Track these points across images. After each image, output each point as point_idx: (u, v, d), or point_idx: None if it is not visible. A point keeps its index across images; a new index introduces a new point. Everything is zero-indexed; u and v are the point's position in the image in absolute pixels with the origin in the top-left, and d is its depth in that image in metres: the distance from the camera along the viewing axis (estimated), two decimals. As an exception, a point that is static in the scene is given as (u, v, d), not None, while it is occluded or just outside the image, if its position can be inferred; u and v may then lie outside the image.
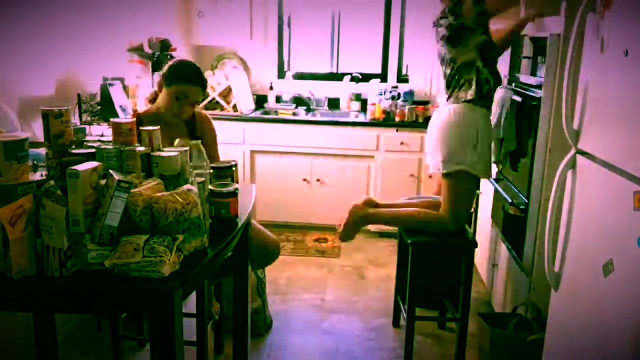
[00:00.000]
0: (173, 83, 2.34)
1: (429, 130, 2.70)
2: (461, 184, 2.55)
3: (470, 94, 2.51)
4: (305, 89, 4.74)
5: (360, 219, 2.70)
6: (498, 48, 2.60)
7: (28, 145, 1.55)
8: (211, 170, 1.94)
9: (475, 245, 2.57)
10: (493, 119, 2.94)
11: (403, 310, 2.74)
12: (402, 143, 4.11)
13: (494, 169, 3.08)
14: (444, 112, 2.59)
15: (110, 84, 2.89)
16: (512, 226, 2.84)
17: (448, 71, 2.58)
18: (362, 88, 4.63)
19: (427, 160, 2.81)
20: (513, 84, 3.02)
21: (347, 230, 2.71)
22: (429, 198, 2.90)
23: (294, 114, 4.47)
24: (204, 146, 2.05)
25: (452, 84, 2.57)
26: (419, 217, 2.63)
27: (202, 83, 2.41)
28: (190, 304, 2.60)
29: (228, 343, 2.51)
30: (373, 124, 4.19)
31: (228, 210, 1.81)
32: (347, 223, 2.70)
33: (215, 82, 4.40)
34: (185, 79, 2.35)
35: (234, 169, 2.01)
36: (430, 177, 4.10)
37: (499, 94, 2.97)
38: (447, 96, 2.61)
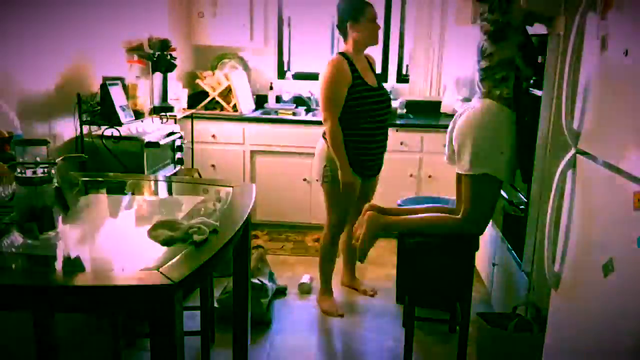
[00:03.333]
0: (364, 13, 2.87)
1: (458, 122, 2.57)
2: (486, 187, 2.48)
3: (506, 92, 2.47)
4: (305, 89, 4.73)
5: (380, 229, 2.52)
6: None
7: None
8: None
9: (477, 248, 2.56)
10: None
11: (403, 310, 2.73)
12: (401, 143, 4.11)
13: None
14: (475, 107, 2.52)
15: (110, 84, 2.88)
16: (512, 226, 2.84)
17: (485, 64, 2.52)
18: (362, 88, 4.61)
19: (448, 152, 2.68)
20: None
21: (367, 243, 2.51)
22: (434, 205, 2.82)
23: (294, 114, 4.46)
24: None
25: (487, 78, 2.51)
26: (440, 222, 2.55)
27: None
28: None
29: (228, 341, 2.51)
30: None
31: None
32: (366, 233, 2.50)
33: (215, 82, 4.39)
34: (367, 3, 2.87)
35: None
36: (430, 177, 4.10)
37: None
38: (480, 90, 2.55)
